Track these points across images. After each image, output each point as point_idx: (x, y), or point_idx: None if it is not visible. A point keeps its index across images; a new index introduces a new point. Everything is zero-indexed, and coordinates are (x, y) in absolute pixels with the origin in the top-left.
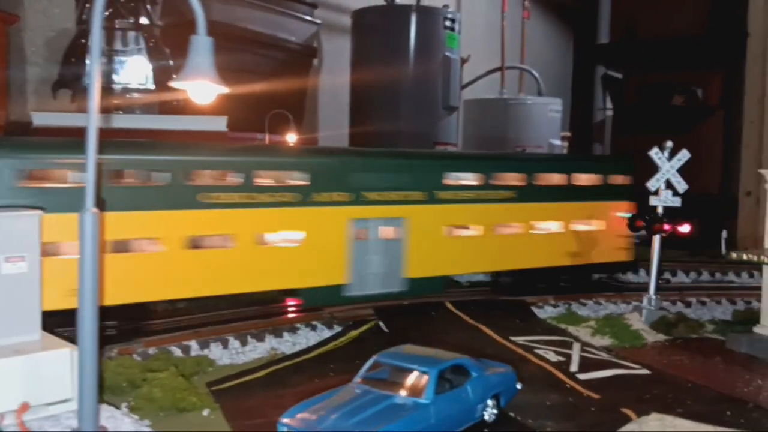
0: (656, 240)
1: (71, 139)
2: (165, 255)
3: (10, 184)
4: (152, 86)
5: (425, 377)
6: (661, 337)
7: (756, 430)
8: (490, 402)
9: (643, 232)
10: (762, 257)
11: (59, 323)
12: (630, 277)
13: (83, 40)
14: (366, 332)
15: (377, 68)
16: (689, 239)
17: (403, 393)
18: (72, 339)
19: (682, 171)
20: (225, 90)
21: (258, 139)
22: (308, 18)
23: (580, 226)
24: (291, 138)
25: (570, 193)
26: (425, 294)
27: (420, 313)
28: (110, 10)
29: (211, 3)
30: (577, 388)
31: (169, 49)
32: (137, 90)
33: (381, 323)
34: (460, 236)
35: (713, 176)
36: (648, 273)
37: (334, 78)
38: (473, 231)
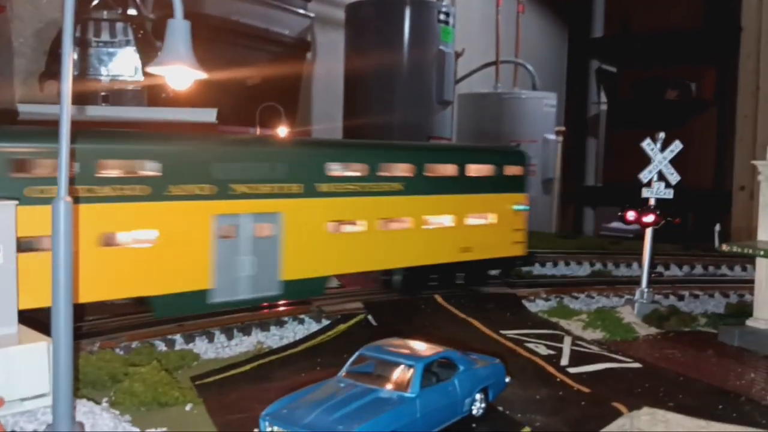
0: (648, 233)
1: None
2: None
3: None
4: (140, 77)
5: (411, 370)
6: (653, 330)
7: (748, 424)
8: (478, 396)
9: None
10: (753, 249)
11: None
12: (623, 270)
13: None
14: (354, 326)
15: (371, 62)
16: (682, 233)
17: (388, 387)
18: None
19: (676, 165)
20: (203, 75)
21: (249, 133)
22: (302, 11)
23: (474, 220)
24: (282, 131)
25: (462, 185)
26: (304, 297)
27: (410, 306)
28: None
29: None
30: (568, 381)
31: (160, 42)
32: (125, 81)
33: (370, 317)
34: (344, 233)
35: (707, 171)
36: (641, 266)
37: (327, 71)
38: (359, 227)
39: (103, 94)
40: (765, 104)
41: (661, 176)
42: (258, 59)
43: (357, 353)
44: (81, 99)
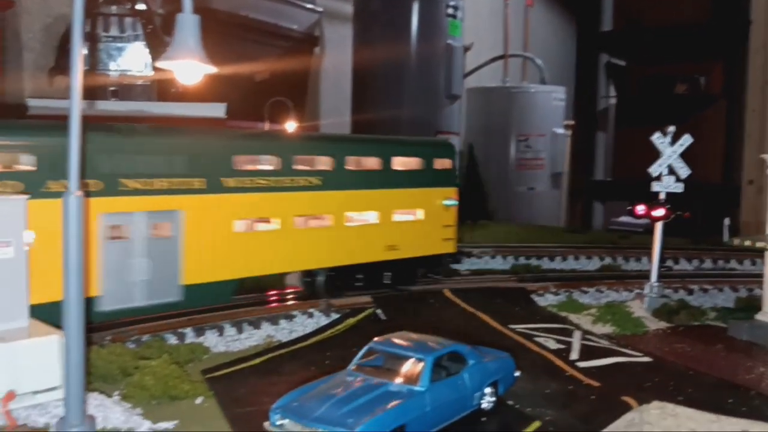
0: (658, 227)
1: None
2: None
3: None
4: (149, 72)
5: (420, 364)
6: (662, 324)
7: (758, 417)
8: (487, 390)
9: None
10: (763, 243)
11: None
12: (633, 264)
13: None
14: (363, 320)
15: (379, 56)
16: (691, 227)
17: (398, 380)
18: None
19: (684, 159)
20: (212, 70)
21: (258, 127)
22: (310, 6)
23: (401, 217)
24: (291, 126)
25: (388, 180)
26: (209, 304)
27: (419, 301)
28: None
29: None
30: (578, 376)
31: (169, 37)
32: (134, 76)
33: (378, 311)
34: (255, 232)
35: (715, 165)
36: (650, 260)
37: (335, 66)
38: (272, 225)
39: (112, 88)
40: None
41: (671, 170)
42: (266, 54)
43: (366, 347)
44: (90, 94)
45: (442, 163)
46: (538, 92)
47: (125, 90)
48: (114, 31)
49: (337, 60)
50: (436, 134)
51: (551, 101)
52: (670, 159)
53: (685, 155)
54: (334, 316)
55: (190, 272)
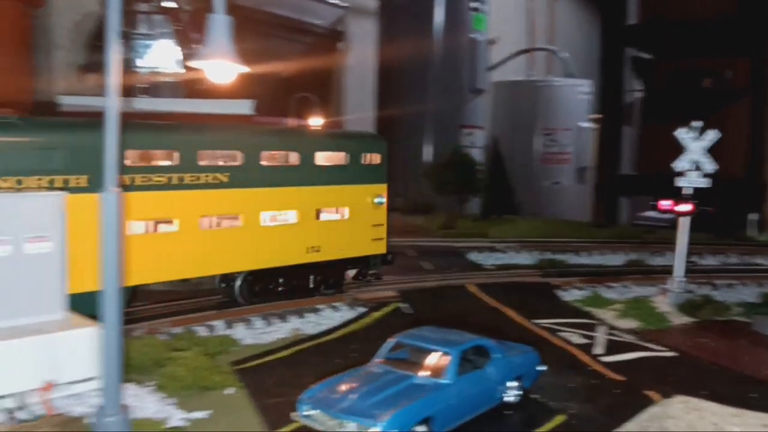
0: (683, 222)
1: None
2: None
3: None
4: (178, 69)
5: (447, 358)
6: (687, 319)
7: None
8: (512, 383)
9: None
10: None
11: None
12: (658, 259)
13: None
14: (389, 314)
15: (404, 51)
16: (715, 223)
17: (423, 373)
18: None
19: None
20: (243, 69)
21: (283, 123)
22: (335, 1)
23: (325, 216)
24: (316, 121)
25: (309, 176)
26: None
27: (443, 295)
28: None
29: None
30: (601, 370)
31: (198, 34)
32: (163, 73)
33: (404, 305)
34: (149, 234)
35: (740, 160)
36: (675, 256)
37: (360, 61)
38: (171, 227)
39: (141, 86)
40: None
41: (696, 165)
42: (291, 50)
43: (393, 340)
44: (121, 91)
45: (370, 158)
46: (564, 86)
47: (154, 87)
48: (143, 29)
49: (361, 55)
50: (460, 128)
51: (577, 95)
52: (695, 154)
53: (711, 150)
54: (360, 309)
55: (72, 281)
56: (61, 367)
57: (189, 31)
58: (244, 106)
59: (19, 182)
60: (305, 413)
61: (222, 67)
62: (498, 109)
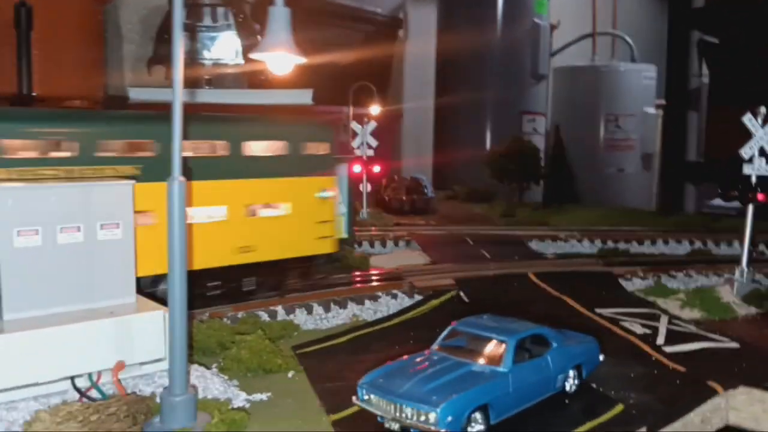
0: (749, 211)
1: None
2: None
3: None
4: (241, 61)
5: (503, 346)
6: (752, 310)
7: None
8: (571, 372)
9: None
10: None
11: None
12: (723, 248)
13: None
14: (446, 302)
15: (463, 37)
16: None
17: (481, 361)
18: None
19: None
20: (302, 60)
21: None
22: None
23: (263, 211)
24: (374, 110)
25: (238, 168)
26: None
27: (501, 283)
28: None
29: None
30: (663, 360)
31: (259, 25)
32: (226, 65)
33: (462, 293)
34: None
35: None
36: (741, 245)
37: (419, 48)
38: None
39: (206, 77)
40: None
41: (762, 152)
42: (351, 39)
43: (450, 328)
44: (185, 83)
45: (315, 148)
46: (628, 71)
47: (218, 79)
48: (207, 21)
49: (421, 42)
50: (522, 115)
51: (642, 80)
52: (761, 141)
53: None
54: (418, 297)
55: None
56: (132, 349)
57: (251, 22)
58: (303, 96)
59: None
60: (365, 397)
61: (282, 58)
62: (560, 95)
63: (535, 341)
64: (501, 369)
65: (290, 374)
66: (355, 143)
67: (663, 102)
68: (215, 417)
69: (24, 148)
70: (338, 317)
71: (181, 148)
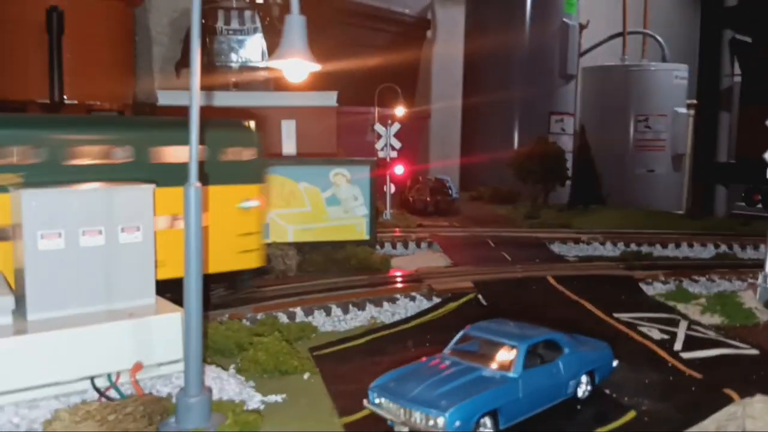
0: None
1: None
2: None
3: None
4: (267, 63)
5: (514, 351)
6: None
7: None
8: (583, 378)
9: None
10: None
11: None
12: (749, 252)
13: (204, 20)
14: (464, 305)
15: (492, 37)
16: None
17: (491, 366)
18: None
19: None
20: (317, 67)
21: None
22: None
23: (174, 223)
24: (399, 111)
25: (143, 176)
26: None
27: (520, 286)
28: None
29: None
30: (679, 366)
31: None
32: (253, 67)
33: (480, 296)
34: None
35: None
36: (766, 249)
37: (447, 49)
38: None
39: (233, 80)
40: None
41: None
42: (378, 39)
43: (462, 332)
44: (213, 86)
45: (237, 153)
46: (659, 70)
47: (245, 81)
48: (234, 24)
49: (448, 42)
50: (549, 115)
51: (672, 79)
52: None
53: None
54: (436, 299)
55: None
56: (150, 350)
57: (277, 25)
58: (329, 98)
59: None
60: (376, 401)
61: (297, 65)
62: (589, 95)
63: (547, 347)
64: (511, 374)
65: (306, 376)
66: (378, 145)
67: (694, 102)
68: (229, 418)
69: None
70: (356, 319)
71: (197, 154)
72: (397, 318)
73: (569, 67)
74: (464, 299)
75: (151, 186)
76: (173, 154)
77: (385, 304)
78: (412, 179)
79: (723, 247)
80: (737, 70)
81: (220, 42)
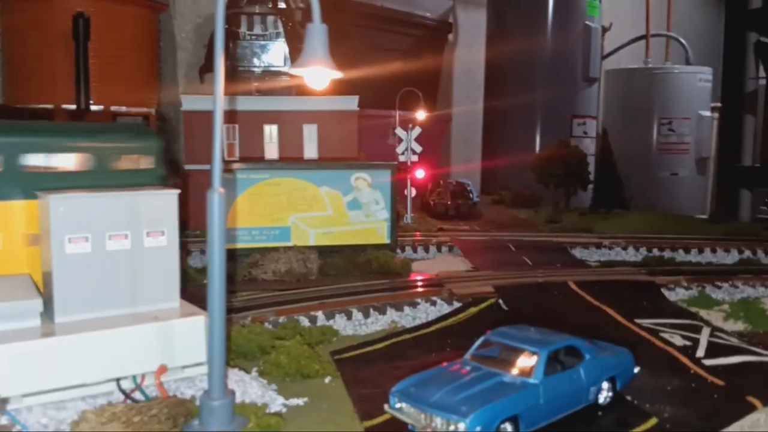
0: None
1: None
2: None
3: None
4: (289, 68)
5: (535, 357)
6: None
7: None
8: (604, 384)
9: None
10: None
11: None
12: None
13: (227, 26)
14: (485, 309)
15: (514, 40)
16: None
17: (512, 372)
18: None
19: None
20: (338, 75)
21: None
22: None
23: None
24: (420, 115)
25: (17, 187)
26: None
27: (542, 292)
28: None
29: None
30: (702, 373)
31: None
32: (275, 72)
33: (501, 301)
34: None
35: None
36: None
37: (469, 52)
38: None
39: (256, 84)
40: None
41: None
42: (400, 43)
43: (483, 338)
44: (236, 91)
45: (133, 162)
46: (682, 73)
47: (268, 86)
48: (257, 29)
49: (470, 45)
50: (572, 119)
51: (696, 82)
52: None
53: None
54: (457, 304)
55: None
56: (175, 352)
57: (299, 30)
58: (350, 102)
59: None
60: (396, 405)
61: (319, 72)
62: (612, 98)
63: (568, 353)
64: (532, 380)
65: (327, 380)
66: (399, 149)
67: (719, 105)
68: (252, 421)
69: None
70: (377, 323)
71: (221, 160)
72: (417, 322)
73: (592, 70)
74: (485, 304)
75: (175, 192)
76: (51, 161)
77: (406, 308)
78: (433, 182)
79: (747, 253)
80: (762, 73)
81: (242, 47)
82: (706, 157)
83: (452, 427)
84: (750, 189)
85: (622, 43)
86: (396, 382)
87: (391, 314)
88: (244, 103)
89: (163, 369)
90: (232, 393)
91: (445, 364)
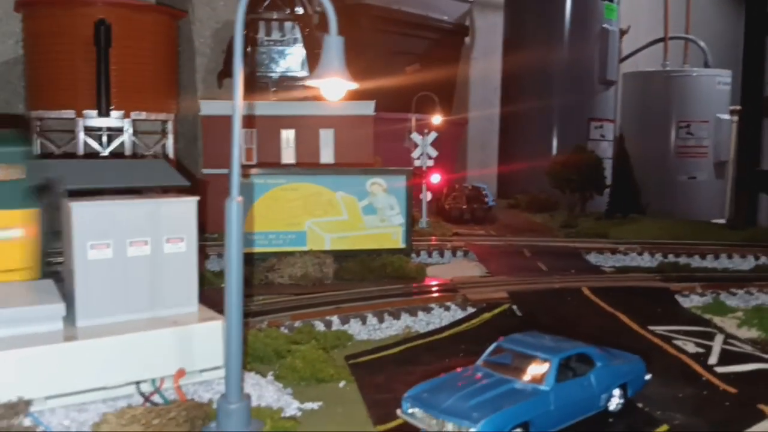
0: None
1: None
2: None
3: None
4: (307, 73)
5: (546, 364)
6: None
7: None
8: (616, 392)
9: None
10: None
11: None
12: None
13: (245, 31)
14: (499, 315)
15: (531, 43)
16: None
17: (523, 378)
18: None
19: None
20: (354, 86)
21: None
22: None
23: None
24: (436, 120)
25: None
26: None
27: (556, 298)
28: (268, 1)
29: None
30: (714, 381)
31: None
32: (293, 77)
33: (514, 307)
34: None
35: None
36: None
37: (485, 55)
38: None
39: (273, 89)
40: None
41: None
42: (417, 47)
43: (495, 344)
44: (254, 95)
45: None
46: (701, 76)
47: (286, 91)
48: (275, 35)
49: (487, 49)
50: (588, 122)
51: (715, 85)
52: None
53: None
54: (470, 310)
55: None
56: (193, 356)
57: (316, 35)
58: (366, 107)
59: None
60: (409, 411)
61: (335, 84)
62: (629, 101)
63: (580, 360)
64: (543, 387)
65: (341, 384)
66: (415, 154)
67: (738, 108)
68: (267, 424)
69: None
70: (391, 328)
71: (239, 169)
72: (431, 327)
73: (609, 73)
74: (498, 309)
75: (194, 198)
76: None
77: (420, 314)
78: (448, 187)
79: (763, 259)
80: None
81: (260, 52)
82: (725, 160)
83: None
84: None
85: (640, 45)
86: (409, 387)
87: (406, 319)
88: (261, 108)
89: (181, 372)
90: (249, 397)
91: (458, 369)
